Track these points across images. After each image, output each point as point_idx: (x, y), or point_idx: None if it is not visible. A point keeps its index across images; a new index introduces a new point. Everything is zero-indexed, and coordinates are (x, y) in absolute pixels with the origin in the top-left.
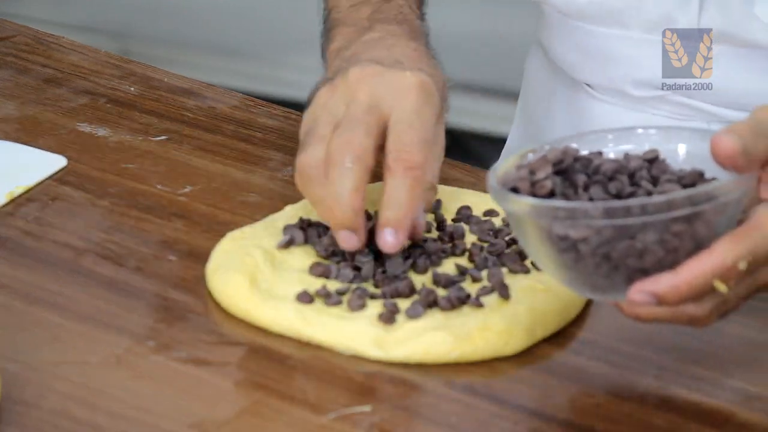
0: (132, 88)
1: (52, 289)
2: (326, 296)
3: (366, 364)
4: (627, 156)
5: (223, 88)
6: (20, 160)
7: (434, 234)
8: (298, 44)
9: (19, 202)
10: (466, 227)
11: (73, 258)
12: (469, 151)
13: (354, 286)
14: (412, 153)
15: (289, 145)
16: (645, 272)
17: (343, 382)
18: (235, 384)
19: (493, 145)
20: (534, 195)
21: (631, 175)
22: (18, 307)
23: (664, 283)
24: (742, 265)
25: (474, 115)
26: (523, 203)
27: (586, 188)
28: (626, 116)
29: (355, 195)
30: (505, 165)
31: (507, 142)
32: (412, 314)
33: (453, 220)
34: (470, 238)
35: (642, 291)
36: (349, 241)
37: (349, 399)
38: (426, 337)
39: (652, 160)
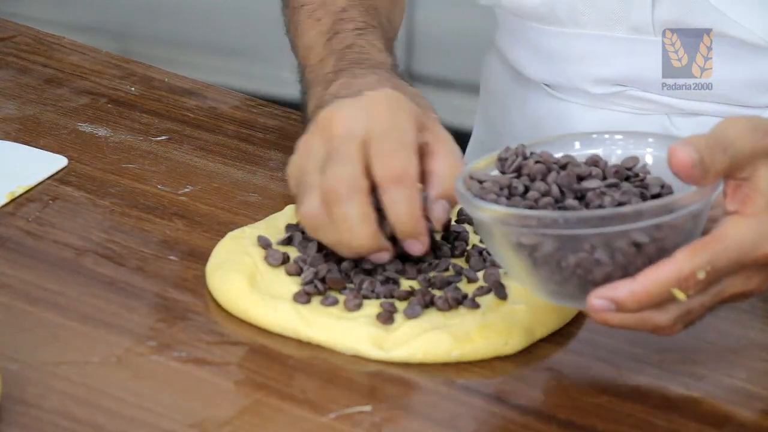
0: (133, 88)
1: (52, 289)
2: (323, 296)
3: (366, 364)
4: (606, 166)
5: (224, 88)
6: (21, 160)
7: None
8: None
9: (19, 201)
10: (469, 228)
11: (74, 258)
12: (465, 150)
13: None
14: (393, 162)
15: (290, 145)
16: (596, 284)
17: (343, 382)
18: (236, 384)
19: (463, 139)
20: (501, 199)
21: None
22: (18, 307)
23: (623, 289)
24: (701, 275)
25: (470, 114)
26: (486, 210)
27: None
28: (586, 114)
29: (366, 223)
30: (476, 166)
31: (471, 139)
32: (411, 314)
33: (456, 221)
34: (474, 238)
35: (601, 297)
36: (382, 258)
37: (349, 399)
38: (426, 337)
39: (629, 168)
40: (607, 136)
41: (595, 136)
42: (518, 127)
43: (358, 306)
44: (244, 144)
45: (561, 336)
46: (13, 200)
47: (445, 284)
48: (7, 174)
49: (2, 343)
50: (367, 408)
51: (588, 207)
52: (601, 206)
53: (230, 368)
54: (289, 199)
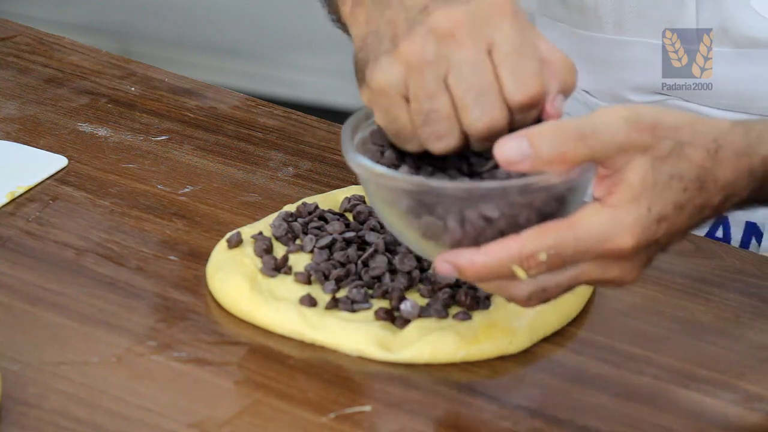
0: (133, 88)
1: (52, 289)
2: (333, 304)
3: (366, 364)
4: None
5: (224, 88)
6: (21, 160)
7: None
8: (298, 44)
9: (19, 201)
10: None
11: (74, 258)
12: None
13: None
14: (529, 84)
15: (290, 144)
16: (447, 248)
17: (343, 381)
18: (236, 384)
19: None
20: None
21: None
22: (18, 307)
23: (465, 257)
24: (542, 257)
25: None
26: (351, 159)
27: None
28: None
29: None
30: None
31: None
32: (408, 314)
33: None
34: None
35: (446, 261)
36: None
37: (349, 399)
38: (432, 338)
39: None
40: None
41: None
42: None
43: (363, 306)
44: (244, 144)
45: (561, 336)
46: (13, 200)
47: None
48: (7, 174)
49: (2, 343)
50: (367, 408)
51: (470, 166)
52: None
53: (230, 368)
54: (289, 199)
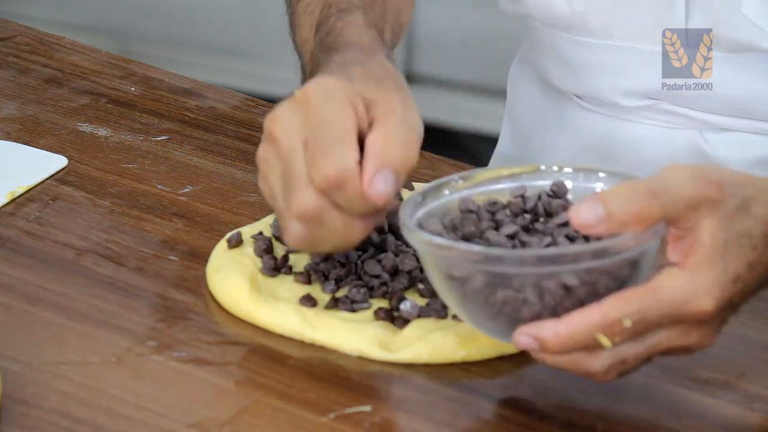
0: (133, 88)
1: (52, 289)
2: (333, 304)
3: (367, 364)
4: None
5: (224, 88)
6: (21, 160)
7: None
8: None
9: (19, 201)
10: None
11: (74, 258)
12: (466, 150)
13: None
14: (326, 166)
15: None
16: (524, 322)
17: (343, 382)
18: (236, 384)
19: (491, 143)
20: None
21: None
22: (18, 307)
23: (547, 329)
24: (627, 323)
25: (470, 114)
26: (418, 238)
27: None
28: (616, 126)
29: (353, 226)
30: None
31: (497, 146)
32: (408, 314)
33: None
34: None
35: (526, 334)
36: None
37: (349, 399)
38: (432, 338)
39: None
40: (555, 168)
41: (543, 167)
42: (546, 141)
43: (363, 306)
44: (244, 144)
45: None
46: (13, 200)
47: None
48: (7, 174)
49: (2, 343)
50: (367, 408)
51: (523, 245)
52: (518, 244)
53: (230, 368)
54: None
